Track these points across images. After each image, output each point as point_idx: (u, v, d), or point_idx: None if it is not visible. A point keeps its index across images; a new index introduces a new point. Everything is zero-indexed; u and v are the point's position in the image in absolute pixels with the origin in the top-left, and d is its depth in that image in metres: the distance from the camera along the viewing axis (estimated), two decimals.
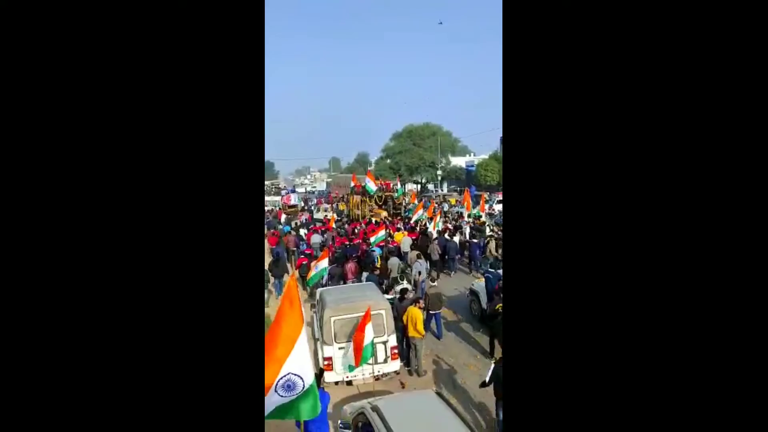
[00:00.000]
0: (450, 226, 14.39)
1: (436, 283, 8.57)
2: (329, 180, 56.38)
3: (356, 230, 15.12)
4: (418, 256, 10.36)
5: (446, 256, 11.66)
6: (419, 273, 9.71)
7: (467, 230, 13.85)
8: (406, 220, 17.03)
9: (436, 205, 19.29)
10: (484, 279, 8.65)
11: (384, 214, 19.16)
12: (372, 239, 12.07)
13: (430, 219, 14.74)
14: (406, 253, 11.16)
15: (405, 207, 20.77)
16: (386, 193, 21.21)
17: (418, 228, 14.46)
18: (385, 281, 9.12)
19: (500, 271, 8.00)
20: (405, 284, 8.69)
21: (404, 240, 12.18)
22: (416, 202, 21.15)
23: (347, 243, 12.44)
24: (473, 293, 8.97)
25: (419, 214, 16.33)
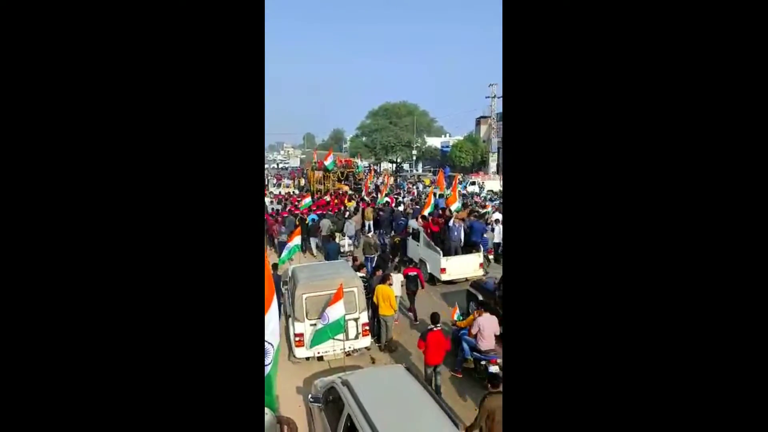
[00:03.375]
0: (393, 197, 18.77)
1: (369, 235, 12.36)
2: (303, 156, 55.53)
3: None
4: (349, 216, 13.95)
5: (393, 222, 14.81)
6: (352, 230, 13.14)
7: (407, 200, 19.06)
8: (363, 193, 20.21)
9: (383, 181, 23.65)
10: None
11: (345, 188, 21.55)
12: (301, 205, 15.31)
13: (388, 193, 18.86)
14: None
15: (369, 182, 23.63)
16: (347, 170, 23.90)
17: (368, 199, 18.03)
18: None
19: (410, 220, 12.11)
20: (342, 240, 12.06)
21: (351, 208, 16.29)
22: (368, 178, 25.14)
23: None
24: (391, 238, 12.90)
25: (369, 187, 20.05)
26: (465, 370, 6.23)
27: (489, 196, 22.24)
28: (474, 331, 5.95)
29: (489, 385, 4.28)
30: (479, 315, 6.03)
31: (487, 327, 5.89)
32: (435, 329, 5.54)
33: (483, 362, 5.86)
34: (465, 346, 6.15)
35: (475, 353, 6.04)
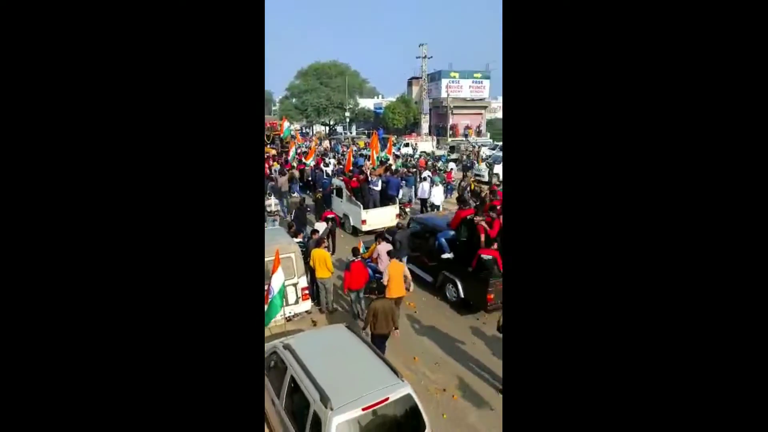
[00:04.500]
0: (320, 159, 19.40)
1: (294, 195, 13.40)
2: None
3: None
4: (289, 180, 14.37)
5: (316, 181, 14.97)
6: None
7: (333, 162, 19.40)
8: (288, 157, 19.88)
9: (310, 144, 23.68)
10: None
11: (273, 152, 20.75)
12: None
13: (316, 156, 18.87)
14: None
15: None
16: (273, 133, 22.57)
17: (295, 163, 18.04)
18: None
19: (333, 179, 13.22)
20: (268, 200, 12.32)
21: (275, 169, 16.33)
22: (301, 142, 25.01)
23: None
24: (314, 194, 13.58)
25: (293, 150, 19.40)
26: (370, 290, 7.47)
27: (422, 156, 22.65)
28: (374, 255, 7.53)
29: (375, 293, 5.80)
30: (379, 244, 7.56)
31: (384, 252, 7.46)
32: (356, 260, 6.78)
33: (381, 280, 6.89)
34: (369, 270, 7.42)
35: (377, 274, 7.45)
